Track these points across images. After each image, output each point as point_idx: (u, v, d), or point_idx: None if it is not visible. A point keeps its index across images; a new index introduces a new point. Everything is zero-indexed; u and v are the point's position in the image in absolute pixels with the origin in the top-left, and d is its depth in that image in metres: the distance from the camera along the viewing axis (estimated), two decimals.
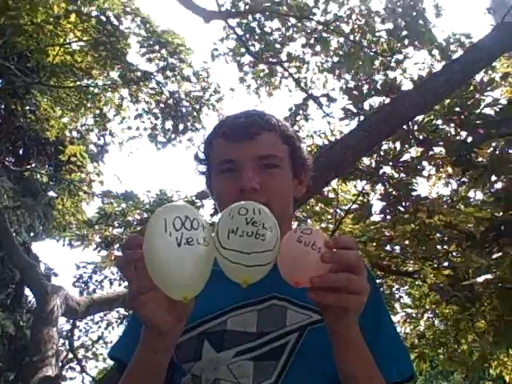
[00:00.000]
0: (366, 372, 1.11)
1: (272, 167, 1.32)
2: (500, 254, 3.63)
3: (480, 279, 3.50)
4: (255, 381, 1.19)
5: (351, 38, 7.20)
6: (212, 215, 5.06)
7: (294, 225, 2.82)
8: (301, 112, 7.70)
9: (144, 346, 1.09)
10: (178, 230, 0.97)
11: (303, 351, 1.22)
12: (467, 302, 3.99)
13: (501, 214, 3.62)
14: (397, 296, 5.40)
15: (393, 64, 6.76)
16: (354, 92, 4.40)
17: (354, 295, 0.98)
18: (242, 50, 7.99)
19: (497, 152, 3.58)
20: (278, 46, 7.77)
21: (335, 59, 7.60)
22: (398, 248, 4.93)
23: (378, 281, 5.08)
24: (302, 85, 8.12)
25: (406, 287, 5.42)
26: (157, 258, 0.96)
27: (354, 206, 4.74)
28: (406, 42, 6.81)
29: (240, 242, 0.98)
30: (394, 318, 5.76)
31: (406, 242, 4.64)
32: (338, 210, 5.05)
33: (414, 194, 4.39)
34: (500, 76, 4.97)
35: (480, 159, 3.74)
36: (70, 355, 10.06)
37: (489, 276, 3.52)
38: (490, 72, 4.85)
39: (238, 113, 1.43)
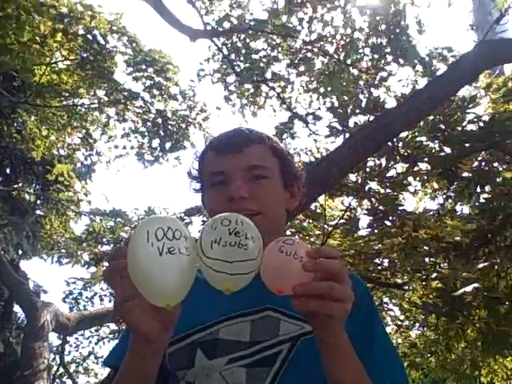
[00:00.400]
0: (355, 378, 1.12)
1: (261, 178, 1.35)
2: (486, 263, 3.71)
3: (468, 288, 3.56)
4: None
5: (335, 57, 7.32)
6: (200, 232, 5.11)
7: None
8: (287, 130, 7.79)
9: (132, 352, 1.12)
10: (159, 240, 1.01)
11: (296, 360, 1.23)
12: (456, 312, 4.06)
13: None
14: (386, 308, 5.46)
15: (377, 82, 6.88)
16: (339, 110, 4.50)
17: (337, 303, 1.01)
18: (228, 70, 8.09)
19: (482, 165, 3.67)
20: (262, 65, 7.87)
21: (320, 78, 7.71)
22: (386, 261, 5.01)
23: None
24: (287, 104, 8.22)
25: (395, 300, 5.47)
26: (139, 266, 1.00)
27: (342, 221, 4.82)
28: (390, 58, 6.94)
29: (223, 251, 1.02)
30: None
31: (394, 255, 4.71)
32: (325, 226, 5.12)
33: (400, 208, 4.49)
34: (483, 87, 5.10)
35: (465, 174, 3.83)
36: (62, 370, 10.02)
37: (476, 285, 3.59)
38: (473, 84, 4.96)
39: (229, 130, 1.48)
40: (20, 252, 10.61)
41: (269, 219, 1.32)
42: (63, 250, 6.96)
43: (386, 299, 5.33)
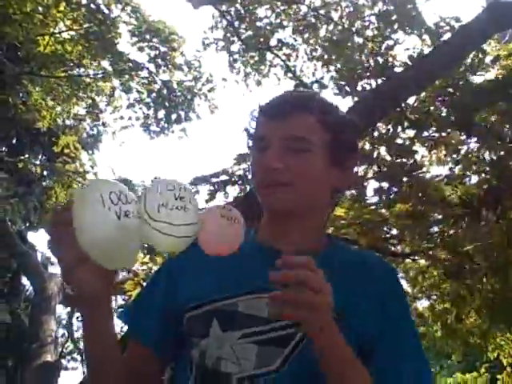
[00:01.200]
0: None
1: (300, 151, 1.27)
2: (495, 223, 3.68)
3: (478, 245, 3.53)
4: (257, 364, 1.19)
5: (340, 24, 7.20)
6: (207, 201, 5.08)
7: None
8: None
9: (85, 319, 1.17)
10: (115, 204, 1.03)
11: (309, 345, 1.15)
12: (465, 274, 4.03)
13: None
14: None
15: (383, 51, 6.75)
16: (346, 74, 4.44)
17: (316, 294, 0.99)
18: (232, 38, 7.99)
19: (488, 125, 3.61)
20: (267, 32, 7.76)
21: (325, 46, 7.58)
22: (393, 231, 4.97)
23: None
24: (292, 72, 8.11)
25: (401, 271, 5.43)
26: (97, 231, 1.01)
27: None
28: (396, 26, 6.81)
29: (170, 214, 1.05)
30: None
31: (402, 223, 4.66)
32: None
33: (408, 174, 4.44)
34: (491, 60, 5.00)
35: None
36: (71, 345, 10.12)
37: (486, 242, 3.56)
38: (480, 56, 4.86)
39: (286, 91, 1.43)
40: (27, 223, 10.64)
41: (301, 193, 1.26)
42: None
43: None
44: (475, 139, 3.86)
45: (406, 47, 6.43)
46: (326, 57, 7.40)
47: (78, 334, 10.73)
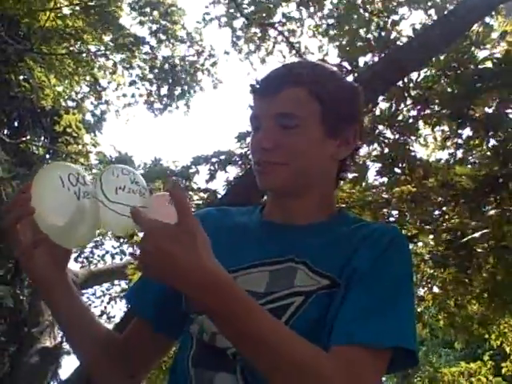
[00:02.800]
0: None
1: (290, 128, 1.22)
2: (497, 210, 3.52)
3: (477, 234, 3.38)
4: None
5: None
6: (207, 181, 4.94)
7: None
8: None
9: (48, 300, 1.25)
10: (74, 186, 1.08)
11: (306, 314, 1.15)
12: (465, 261, 3.88)
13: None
14: None
15: (389, 26, 6.54)
16: (348, 48, 4.25)
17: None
18: (235, 13, 7.78)
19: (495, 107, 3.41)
20: (270, 6, 7.54)
21: (330, 21, 7.38)
22: (395, 213, 4.82)
23: None
24: (296, 49, 7.91)
25: None
26: (57, 211, 1.06)
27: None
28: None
29: (127, 197, 1.10)
30: None
31: (403, 205, 4.51)
32: None
33: (410, 154, 4.27)
34: (498, 35, 4.80)
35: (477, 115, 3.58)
36: None
37: (486, 230, 3.41)
38: (486, 30, 4.66)
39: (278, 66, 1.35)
40: None
41: (296, 171, 1.22)
42: None
43: None
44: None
45: (412, 22, 6.23)
46: (330, 32, 7.23)
47: None
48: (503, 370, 8.56)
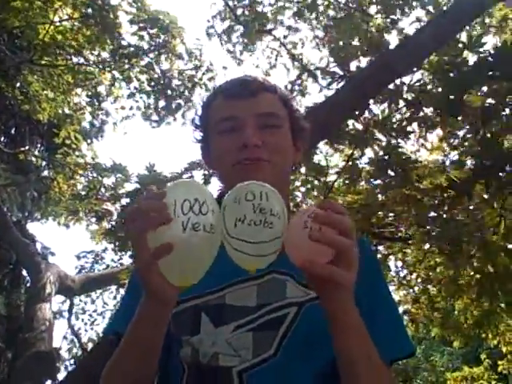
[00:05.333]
0: (365, 354, 1.06)
1: (274, 127, 1.30)
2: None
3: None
4: (255, 352, 1.17)
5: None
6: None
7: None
8: (296, 88, 7.57)
9: (145, 318, 1.07)
10: (185, 214, 0.94)
11: (302, 324, 1.19)
12: (454, 253, 3.92)
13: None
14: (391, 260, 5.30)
15: (389, 25, 6.57)
16: (340, 54, 4.30)
17: (345, 271, 0.97)
18: (235, 26, 7.87)
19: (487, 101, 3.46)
20: (269, 15, 7.64)
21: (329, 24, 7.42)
22: (390, 215, 4.85)
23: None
24: (298, 60, 7.99)
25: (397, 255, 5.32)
26: (160, 239, 0.94)
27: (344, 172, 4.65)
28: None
29: (247, 231, 0.96)
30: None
31: (398, 208, 4.54)
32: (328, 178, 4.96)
33: (403, 157, 4.31)
34: (499, 21, 4.85)
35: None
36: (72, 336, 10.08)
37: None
38: (486, 19, 4.70)
39: (238, 76, 1.41)
40: (26, 213, 10.58)
41: (278, 170, 1.29)
42: (65, 206, 6.86)
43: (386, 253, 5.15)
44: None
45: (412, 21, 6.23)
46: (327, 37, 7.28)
47: (78, 326, 10.67)
48: (499, 368, 8.58)
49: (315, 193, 5.19)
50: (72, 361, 10.07)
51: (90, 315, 10.90)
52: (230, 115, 1.28)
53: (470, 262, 4.01)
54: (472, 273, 4.17)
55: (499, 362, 8.65)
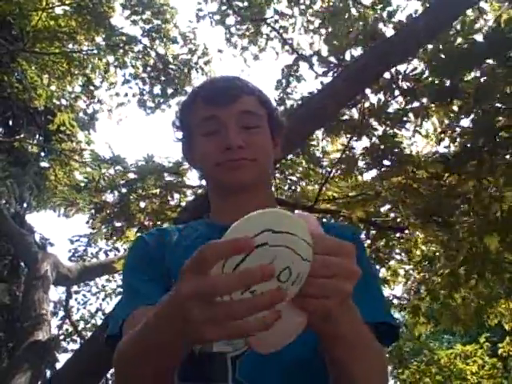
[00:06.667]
0: (360, 363, 1.01)
1: (254, 127, 1.33)
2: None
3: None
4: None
5: None
6: (200, 178, 4.93)
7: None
8: (292, 73, 7.50)
9: (176, 332, 0.88)
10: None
11: None
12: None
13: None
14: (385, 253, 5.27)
15: (385, 17, 6.51)
16: (335, 42, 4.25)
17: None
18: (227, 11, 7.77)
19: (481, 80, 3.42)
20: (261, 3, 7.54)
21: (320, 18, 7.38)
22: (386, 205, 4.83)
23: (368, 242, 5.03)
24: (289, 45, 7.90)
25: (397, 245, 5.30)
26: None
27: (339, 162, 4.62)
28: None
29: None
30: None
31: (395, 197, 4.51)
32: (324, 169, 4.92)
33: (399, 147, 4.29)
34: (493, 20, 4.78)
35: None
36: (70, 328, 10.08)
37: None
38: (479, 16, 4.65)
39: (214, 77, 1.48)
40: (25, 205, 10.56)
41: (262, 167, 1.34)
42: (64, 196, 6.82)
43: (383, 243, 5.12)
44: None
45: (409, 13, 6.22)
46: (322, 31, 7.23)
47: (76, 317, 10.67)
48: (499, 351, 8.62)
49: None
50: (71, 350, 10.04)
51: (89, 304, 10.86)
52: (211, 115, 1.31)
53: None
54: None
55: (499, 345, 8.69)
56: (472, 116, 3.58)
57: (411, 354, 8.52)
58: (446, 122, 4.17)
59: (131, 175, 5.46)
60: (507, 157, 3.56)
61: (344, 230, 1.41)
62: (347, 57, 4.24)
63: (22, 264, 9.88)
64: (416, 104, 4.18)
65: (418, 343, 8.16)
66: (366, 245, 4.87)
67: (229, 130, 1.28)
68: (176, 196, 5.43)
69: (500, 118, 3.57)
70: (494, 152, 3.44)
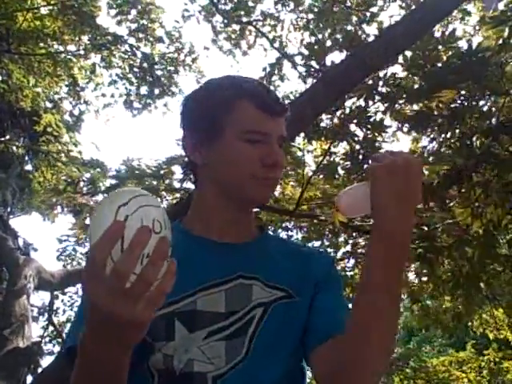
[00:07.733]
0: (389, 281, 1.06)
1: (281, 146, 1.31)
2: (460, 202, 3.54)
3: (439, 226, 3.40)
4: (228, 359, 1.18)
5: None
6: (181, 181, 4.89)
7: None
8: (276, 72, 7.47)
9: (116, 341, 0.89)
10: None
11: (269, 324, 1.22)
12: (428, 253, 3.89)
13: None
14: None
15: (368, 18, 6.51)
16: (316, 47, 4.21)
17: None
18: (213, 10, 7.74)
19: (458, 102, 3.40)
20: (249, 4, 7.50)
21: (310, 16, 7.35)
22: None
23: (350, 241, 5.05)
24: (278, 43, 7.87)
25: None
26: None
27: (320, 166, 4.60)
28: None
29: None
30: None
31: None
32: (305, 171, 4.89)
33: (379, 151, 4.26)
34: (477, 20, 4.78)
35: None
36: (54, 331, 10.01)
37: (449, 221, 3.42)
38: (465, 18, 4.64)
39: (250, 79, 1.34)
40: (9, 209, 10.46)
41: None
42: (43, 199, 6.76)
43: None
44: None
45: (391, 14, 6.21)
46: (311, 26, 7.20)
47: (63, 319, 10.61)
48: (485, 358, 8.61)
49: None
50: (54, 356, 9.96)
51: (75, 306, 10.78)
52: (265, 131, 1.25)
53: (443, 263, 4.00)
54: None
55: (484, 352, 8.66)
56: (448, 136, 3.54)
57: (399, 359, 8.50)
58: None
59: (111, 181, 5.40)
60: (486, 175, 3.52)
61: (322, 257, 1.41)
62: (328, 62, 4.22)
63: (5, 269, 9.78)
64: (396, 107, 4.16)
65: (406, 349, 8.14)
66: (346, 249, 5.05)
67: (274, 144, 1.26)
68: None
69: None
70: (474, 170, 3.42)
